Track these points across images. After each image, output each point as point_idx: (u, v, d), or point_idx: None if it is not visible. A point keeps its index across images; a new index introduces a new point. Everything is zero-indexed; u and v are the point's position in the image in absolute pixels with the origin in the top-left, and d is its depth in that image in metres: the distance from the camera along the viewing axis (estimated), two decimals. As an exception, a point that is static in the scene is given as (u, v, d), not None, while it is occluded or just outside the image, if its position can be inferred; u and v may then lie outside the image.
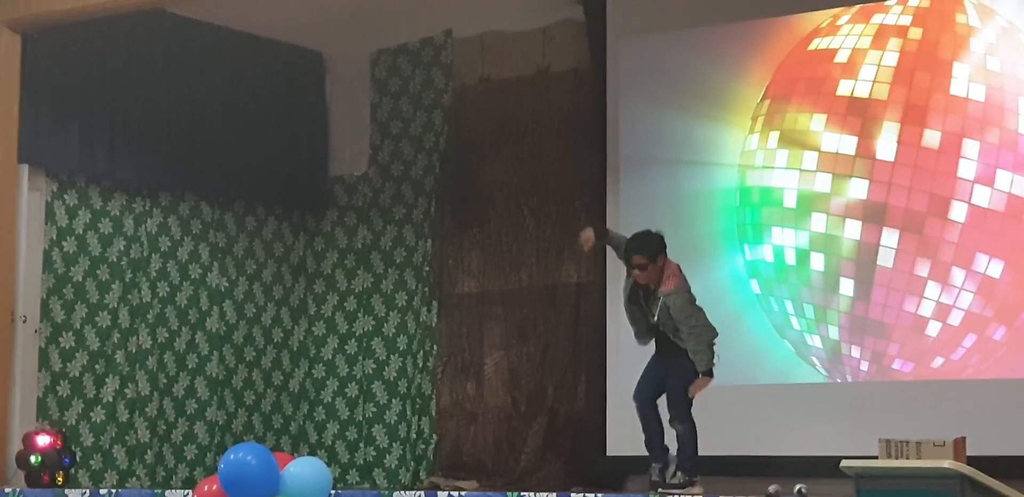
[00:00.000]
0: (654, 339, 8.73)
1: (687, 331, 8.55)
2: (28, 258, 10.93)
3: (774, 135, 10.77)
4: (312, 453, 12.52)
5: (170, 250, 11.93)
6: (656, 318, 8.59)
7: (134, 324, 11.55)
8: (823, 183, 10.49)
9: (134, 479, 11.41)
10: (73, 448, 10.74)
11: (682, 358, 8.61)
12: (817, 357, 10.54)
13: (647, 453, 8.76)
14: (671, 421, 8.67)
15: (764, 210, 10.79)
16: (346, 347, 12.73)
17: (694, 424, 8.66)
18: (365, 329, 12.66)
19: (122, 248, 11.54)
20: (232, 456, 8.90)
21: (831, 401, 10.41)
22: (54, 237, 11.13)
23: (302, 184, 12.81)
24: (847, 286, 10.36)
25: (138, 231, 11.68)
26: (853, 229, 10.33)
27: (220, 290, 12.25)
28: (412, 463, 12.18)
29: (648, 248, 8.59)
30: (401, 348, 12.46)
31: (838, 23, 10.69)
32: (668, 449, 8.70)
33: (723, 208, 10.96)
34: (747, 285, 10.80)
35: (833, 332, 10.43)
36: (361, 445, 12.51)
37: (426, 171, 12.54)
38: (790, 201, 10.65)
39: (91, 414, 11.22)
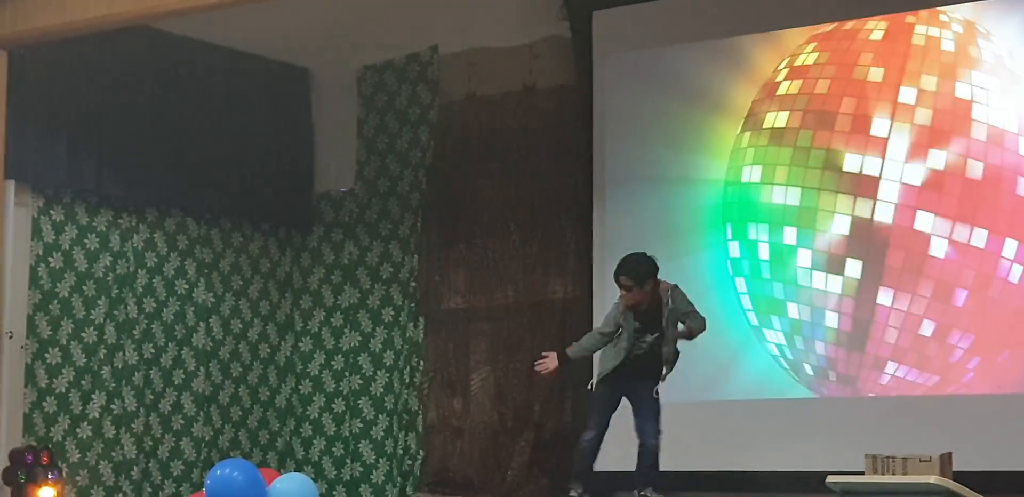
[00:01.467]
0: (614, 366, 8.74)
1: (694, 313, 8.78)
2: (14, 274, 10.91)
3: (760, 151, 10.79)
4: (299, 469, 12.51)
5: (156, 266, 11.92)
6: (666, 318, 8.67)
7: (120, 340, 11.53)
8: (810, 199, 10.51)
9: (120, 495, 11.39)
10: (59, 464, 10.72)
11: (648, 380, 8.66)
12: (804, 372, 10.55)
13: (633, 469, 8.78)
14: (649, 437, 8.69)
15: (751, 227, 10.81)
16: (333, 363, 12.73)
17: None
18: (351, 345, 12.66)
19: (108, 264, 11.54)
20: (218, 472, 8.90)
21: (817, 416, 10.42)
22: (40, 253, 11.12)
23: (288, 200, 12.81)
24: (834, 302, 10.37)
25: (124, 247, 11.67)
26: (840, 246, 10.35)
27: (206, 306, 12.25)
28: (399, 479, 12.17)
29: (634, 270, 8.67)
30: (388, 364, 12.46)
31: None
32: None
33: (709, 224, 10.98)
34: (734, 300, 10.81)
35: (820, 348, 10.45)
36: (348, 461, 12.50)
37: (412, 187, 12.55)
38: (778, 218, 10.67)
39: (77, 430, 11.20)
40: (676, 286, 8.79)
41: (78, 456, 11.17)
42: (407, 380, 12.29)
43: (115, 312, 11.51)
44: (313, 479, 10.89)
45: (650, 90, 11.25)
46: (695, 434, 10.70)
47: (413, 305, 12.37)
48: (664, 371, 8.78)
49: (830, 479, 8.00)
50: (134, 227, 11.78)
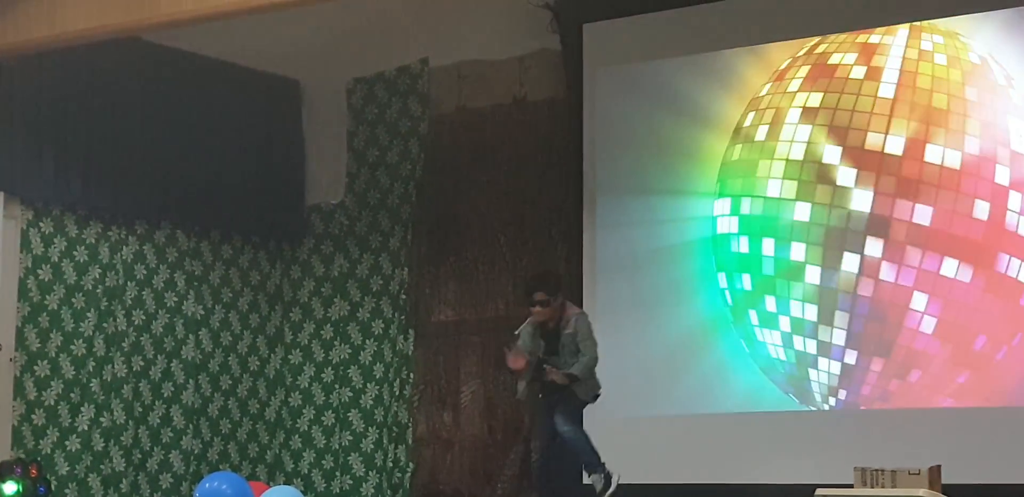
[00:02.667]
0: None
1: (587, 348, 8.77)
2: (3, 286, 10.91)
3: (750, 165, 10.81)
4: (288, 482, 12.49)
5: (146, 278, 11.91)
6: (562, 342, 8.76)
7: (109, 352, 11.52)
8: (803, 212, 10.51)
9: (109, 508, 11.39)
10: (48, 477, 10.69)
11: (566, 392, 8.79)
12: (792, 385, 10.55)
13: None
14: (562, 424, 8.79)
15: (740, 240, 10.82)
16: (322, 375, 12.71)
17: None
18: (341, 357, 12.65)
19: (97, 276, 11.52)
20: (207, 485, 8.92)
21: (806, 429, 10.43)
22: (29, 265, 11.11)
23: (278, 212, 12.80)
24: (826, 316, 10.37)
25: (114, 259, 11.66)
26: (833, 258, 10.35)
27: (196, 318, 12.23)
28: (388, 492, 12.16)
29: (548, 284, 8.88)
30: (377, 376, 12.45)
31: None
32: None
33: (699, 237, 10.99)
34: (723, 313, 10.82)
35: (809, 360, 10.45)
36: (337, 474, 12.48)
37: (402, 199, 12.55)
38: (768, 230, 10.68)
39: (66, 443, 11.18)
40: (584, 313, 8.95)
41: (67, 469, 11.15)
42: (397, 393, 12.28)
43: (104, 324, 11.50)
44: (302, 492, 10.91)
45: (640, 103, 11.26)
46: (684, 447, 10.71)
47: (403, 318, 12.36)
48: (580, 393, 8.85)
49: (820, 492, 8.00)
50: (123, 239, 11.77)
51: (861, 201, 10.21)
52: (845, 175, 10.33)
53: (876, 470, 7.88)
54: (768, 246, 10.63)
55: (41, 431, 11.03)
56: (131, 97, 11.65)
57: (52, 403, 11.12)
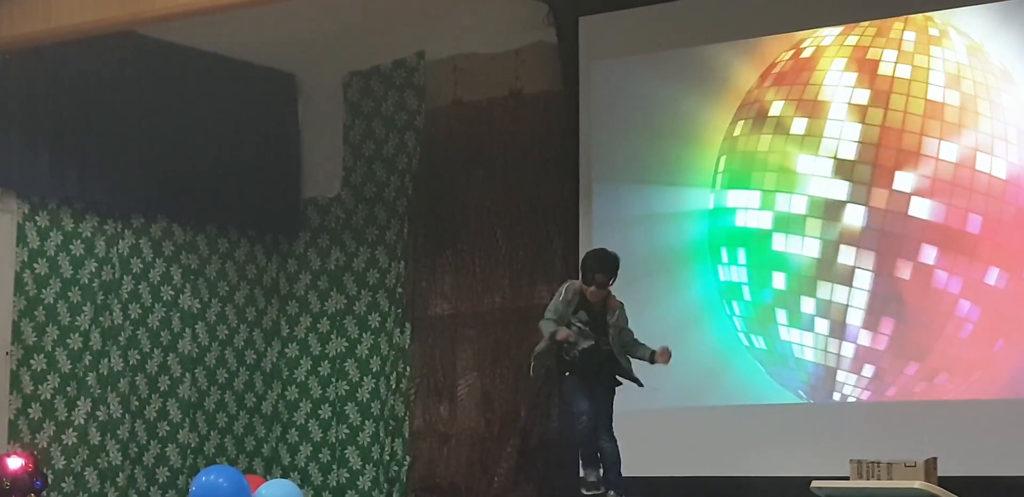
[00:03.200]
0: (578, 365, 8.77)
1: (631, 340, 8.81)
2: (-1, 280, 10.93)
3: (745, 156, 10.81)
4: (285, 475, 12.49)
5: (142, 272, 11.90)
6: (612, 332, 8.73)
7: (106, 346, 11.51)
8: (799, 204, 10.51)
9: (106, 502, 11.39)
10: (44, 471, 10.68)
11: (607, 379, 8.72)
12: (789, 377, 10.56)
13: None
14: (609, 440, 8.78)
15: (737, 231, 10.82)
16: (319, 369, 12.71)
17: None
18: (338, 351, 12.65)
19: (94, 270, 11.52)
20: (204, 479, 8.93)
21: (802, 422, 10.43)
22: (25, 259, 11.10)
23: (275, 206, 12.80)
24: (823, 308, 10.37)
25: (110, 253, 11.65)
26: (830, 250, 10.35)
27: (192, 312, 12.23)
28: (385, 485, 12.16)
29: (612, 268, 8.78)
30: (374, 370, 12.45)
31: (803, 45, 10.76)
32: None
33: (695, 229, 10.99)
34: (719, 305, 10.82)
35: (807, 353, 10.45)
36: (334, 467, 12.48)
37: (399, 193, 12.55)
38: (764, 222, 10.68)
39: (63, 437, 11.18)
40: (623, 304, 8.89)
41: (63, 463, 11.15)
42: (393, 386, 12.28)
43: (100, 318, 11.50)
44: (299, 485, 10.91)
45: (636, 96, 11.26)
46: (681, 439, 10.72)
47: (400, 311, 12.36)
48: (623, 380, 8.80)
49: (815, 484, 8.01)
50: (119, 233, 11.76)
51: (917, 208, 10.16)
52: (902, 180, 10.20)
53: (872, 462, 7.88)
54: (771, 238, 10.61)
55: (37, 425, 11.02)
56: (127, 91, 11.64)
57: (48, 397, 11.12)
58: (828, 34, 10.66)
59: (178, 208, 12.15)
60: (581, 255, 11.22)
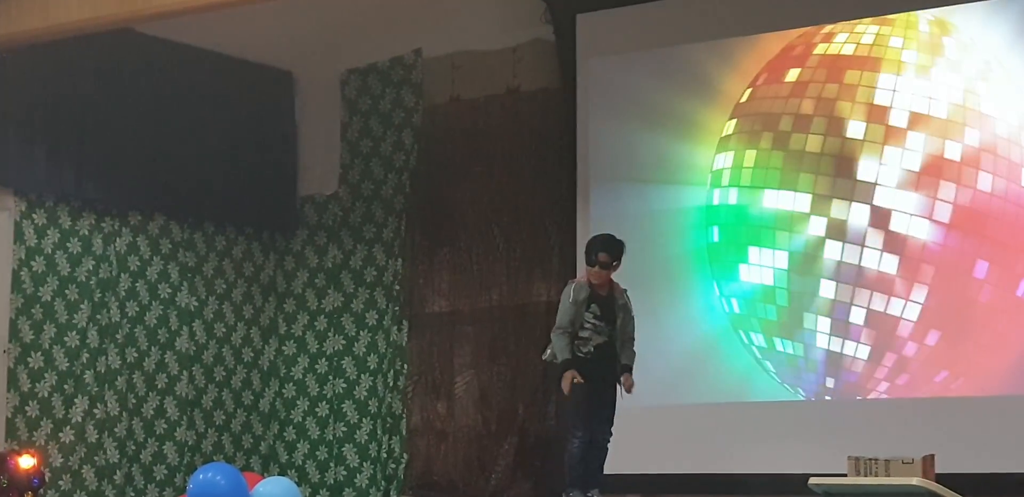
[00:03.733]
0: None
1: (629, 338, 8.73)
2: (-4, 278, 10.93)
3: (744, 154, 10.81)
4: (282, 473, 12.49)
5: (139, 270, 11.90)
6: (618, 316, 8.69)
7: (103, 344, 11.51)
8: (803, 203, 10.51)
9: (103, 500, 11.39)
10: (42, 469, 10.68)
11: (608, 376, 8.68)
12: (787, 374, 10.56)
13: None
14: (606, 439, 8.73)
15: (735, 228, 10.82)
16: (316, 366, 12.71)
17: None
18: (335, 348, 12.65)
19: (91, 268, 11.51)
20: (201, 476, 8.90)
21: (800, 419, 10.43)
22: (23, 257, 11.10)
23: (272, 203, 12.80)
24: (823, 305, 10.37)
25: (107, 251, 11.65)
26: (833, 249, 10.34)
27: (190, 310, 12.22)
28: (383, 483, 12.16)
29: (614, 247, 8.73)
30: (371, 367, 12.45)
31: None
32: None
33: (693, 226, 10.99)
34: (717, 303, 10.82)
35: (804, 350, 10.45)
36: (331, 465, 12.48)
37: (396, 190, 12.54)
38: (762, 220, 10.68)
39: (60, 435, 11.18)
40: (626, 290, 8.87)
41: (61, 461, 11.15)
42: (391, 384, 12.28)
43: (98, 316, 11.49)
44: (296, 483, 10.88)
45: (634, 93, 11.26)
46: (678, 437, 10.72)
47: (397, 308, 12.36)
48: (622, 372, 8.75)
49: (812, 481, 8.00)
50: (117, 231, 11.76)
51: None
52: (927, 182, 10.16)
53: (870, 459, 7.87)
54: (768, 237, 10.61)
55: (35, 423, 11.02)
56: (124, 89, 11.63)
57: (46, 395, 11.12)
58: (827, 31, 10.68)
59: (175, 205, 12.14)
60: (578, 252, 11.23)
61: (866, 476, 7.83)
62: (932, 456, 7.86)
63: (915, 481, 7.63)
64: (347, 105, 12.86)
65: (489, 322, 11.94)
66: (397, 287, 12.39)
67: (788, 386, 10.56)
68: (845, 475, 7.96)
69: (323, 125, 12.94)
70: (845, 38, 10.57)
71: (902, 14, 10.36)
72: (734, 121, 10.87)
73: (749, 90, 10.86)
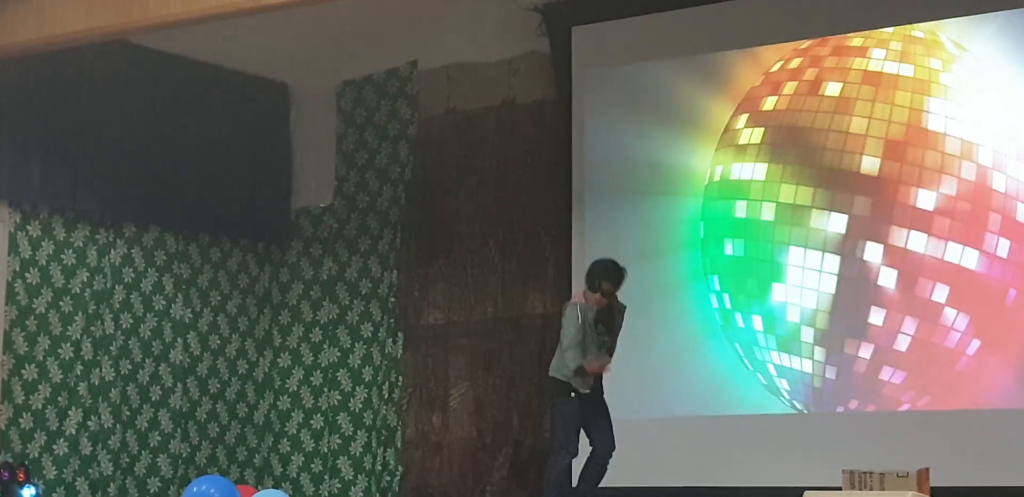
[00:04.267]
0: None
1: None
2: (-10, 290, 10.91)
3: (739, 165, 10.81)
4: (276, 486, 12.47)
5: (134, 281, 11.88)
6: (616, 321, 8.86)
7: (97, 356, 11.49)
8: (799, 215, 10.50)
9: (97, 512, 11.36)
10: (36, 481, 10.67)
11: (601, 398, 8.74)
12: (782, 388, 10.55)
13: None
14: (607, 455, 8.79)
15: (730, 240, 10.81)
16: (311, 378, 12.70)
17: None
18: (330, 360, 12.63)
19: (85, 279, 11.50)
20: (195, 489, 8.91)
21: (795, 432, 10.42)
22: (17, 269, 11.08)
23: (267, 215, 12.79)
24: (821, 319, 10.36)
25: (101, 262, 11.64)
26: (832, 262, 10.33)
27: (184, 322, 12.21)
28: (377, 495, 12.14)
29: (619, 277, 8.85)
30: (366, 379, 12.44)
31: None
32: None
33: (689, 238, 10.99)
34: (713, 314, 10.81)
35: (798, 363, 10.45)
36: (326, 477, 12.46)
37: (391, 202, 12.54)
38: (759, 232, 10.68)
39: (54, 447, 11.15)
40: (625, 307, 8.98)
41: (55, 473, 11.13)
42: (386, 396, 12.26)
43: (92, 328, 11.48)
44: (291, 496, 10.88)
45: (629, 105, 11.27)
46: (673, 450, 10.71)
47: (392, 320, 12.35)
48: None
49: (807, 494, 8.00)
50: (111, 242, 11.75)
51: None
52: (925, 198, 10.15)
53: (864, 472, 7.88)
54: (755, 247, 10.61)
55: (28, 435, 11.00)
56: (119, 100, 11.63)
57: (40, 407, 11.10)
58: (825, 42, 10.69)
59: (170, 217, 12.13)
60: (574, 264, 11.29)
61: (861, 489, 7.84)
62: (927, 470, 7.86)
63: (910, 495, 7.63)
64: (342, 117, 12.86)
65: (484, 334, 11.93)
66: (392, 299, 12.38)
67: (783, 399, 10.55)
68: (840, 488, 7.96)
69: (318, 137, 12.94)
70: (883, 55, 10.49)
71: (928, 30, 10.30)
72: (728, 135, 10.86)
73: (775, 99, 10.78)
